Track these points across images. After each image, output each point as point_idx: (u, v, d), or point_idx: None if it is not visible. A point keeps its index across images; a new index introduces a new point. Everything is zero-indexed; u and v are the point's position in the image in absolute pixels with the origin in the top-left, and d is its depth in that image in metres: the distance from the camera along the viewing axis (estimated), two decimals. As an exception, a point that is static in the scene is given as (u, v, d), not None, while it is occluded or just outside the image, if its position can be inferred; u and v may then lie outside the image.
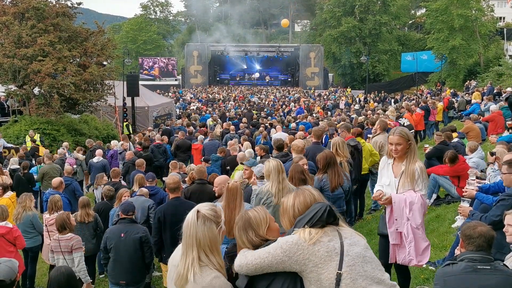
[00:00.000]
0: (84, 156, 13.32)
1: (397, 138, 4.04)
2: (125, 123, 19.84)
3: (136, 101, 21.21)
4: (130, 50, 52.25)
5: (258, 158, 9.27)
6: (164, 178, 9.61)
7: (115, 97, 20.79)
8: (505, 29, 41.33)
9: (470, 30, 35.49)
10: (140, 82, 26.31)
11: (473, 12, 34.81)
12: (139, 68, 54.26)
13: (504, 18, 55.61)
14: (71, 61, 19.18)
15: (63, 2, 20.50)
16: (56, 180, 8.23)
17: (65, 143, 14.72)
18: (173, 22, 75.20)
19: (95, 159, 12.27)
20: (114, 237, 5.77)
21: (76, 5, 20.84)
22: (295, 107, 27.24)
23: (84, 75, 18.67)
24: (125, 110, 20.48)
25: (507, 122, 11.05)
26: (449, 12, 34.74)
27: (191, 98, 38.43)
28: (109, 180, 9.25)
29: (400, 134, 4.05)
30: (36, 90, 18.86)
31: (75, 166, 12.40)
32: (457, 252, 3.45)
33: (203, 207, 2.47)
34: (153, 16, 71.83)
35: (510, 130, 10.31)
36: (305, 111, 23.73)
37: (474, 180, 5.81)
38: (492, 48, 37.49)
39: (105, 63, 21.36)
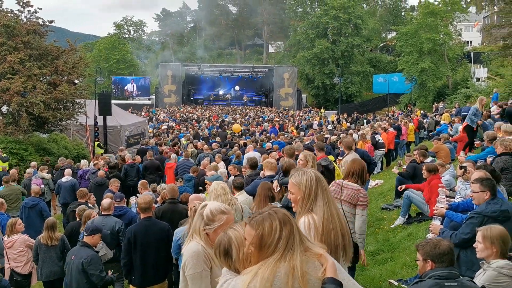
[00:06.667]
0: (50, 175, 12.99)
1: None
2: (96, 143, 19.50)
3: (108, 120, 20.90)
4: (103, 69, 51.98)
5: (232, 177, 9.22)
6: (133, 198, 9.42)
7: (86, 116, 20.44)
8: (472, 53, 42.72)
9: (439, 53, 36.60)
10: (113, 101, 26.02)
11: (441, 36, 35.95)
12: (112, 87, 53.85)
13: (471, 42, 57.61)
14: (41, 79, 18.79)
15: (34, 19, 20.19)
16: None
17: (33, 163, 14.33)
18: (147, 42, 75.11)
19: (64, 179, 12.00)
20: (68, 259, 5.93)
21: (47, 23, 20.55)
22: (269, 127, 27.37)
23: (54, 93, 18.29)
24: (96, 129, 20.14)
25: (475, 142, 11.29)
26: (418, 36, 35.79)
27: (164, 117, 38.22)
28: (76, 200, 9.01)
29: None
30: (4, 109, 18.38)
31: (42, 186, 12.06)
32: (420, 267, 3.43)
33: None
34: (126, 35, 71.63)
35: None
36: (278, 131, 23.85)
37: (444, 198, 5.92)
38: (460, 71, 38.65)
39: (76, 81, 21.01)
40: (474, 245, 3.76)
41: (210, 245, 3.16)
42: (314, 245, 2.18)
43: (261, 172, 7.60)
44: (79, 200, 8.66)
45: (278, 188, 6.01)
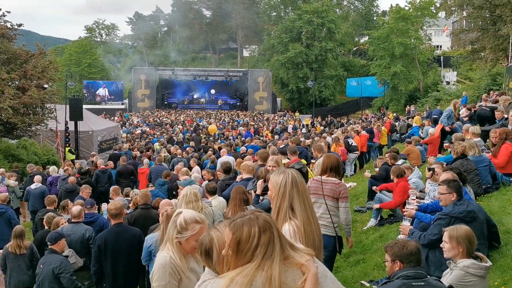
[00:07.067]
0: (17, 183, 12.67)
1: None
2: (67, 148, 19.14)
3: (79, 125, 20.53)
4: (74, 73, 51.22)
5: (206, 182, 9.18)
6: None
7: (56, 121, 20.05)
8: (441, 57, 43.76)
9: (410, 57, 37.35)
10: (85, 106, 25.60)
11: (412, 40, 36.71)
12: (83, 92, 52.96)
13: (440, 46, 59.04)
14: (9, 83, 18.38)
15: (2, 23, 19.74)
16: None
17: (0, 170, 13.94)
18: (120, 46, 74.17)
19: (33, 186, 11.71)
20: (37, 269, 5.88)
21: (16, 27, 20.12)
22: (243, 130, 27.39)
23: (23, 98, 17.89)
24: (67, 134, 19.76)
25: (444, 144, 11.53)
26: (390, 40, 36.45)
27: (137, 122, 37.82)
28: (44, 207, 8.80)
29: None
30: (-30, 114, 17.91)
31: (7, 194, 11.75)
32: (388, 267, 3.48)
33: None
34: (98, 39, 70.60)
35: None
36: (253, 134, 23.87)
37: (414, 199, 6.01)
38: (430, 74, 39.54)
39: (46, 86, 20.60)
40: (441, 245, 3.83)
41: (183, 254, 3.13)
42: (297, 253, 2.13)
43: (239, 176, 7.60)
44: (47, 208, 8.46)
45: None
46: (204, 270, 2.53)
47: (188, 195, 4.72)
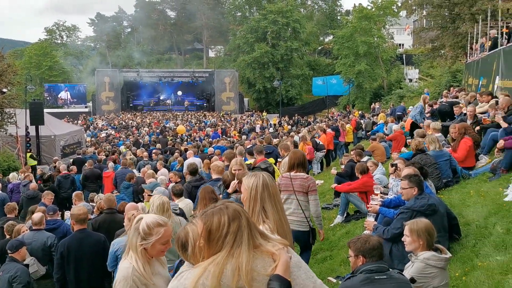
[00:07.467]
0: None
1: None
2: (28, 154, 18.57)
3: (41, 129, 19.97)
4: (34, 77, 49.72)
5: (172, 184, 9.08)
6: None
7: (16, 126, 19.44)
8: (404, 55, 44.80)
9: (374, 55, 38.05)
10: (46, 110, 24.94)
11: (375, 39, 37.41)
12: (44, 95, 51.54)
13: (403, 44, 60.36)
14: (-35, 88, 17.73)
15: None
16: None
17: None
18: (82, 47, 72.44)
19: (-8, 193, 11.31)
20: None
21: (-29, 29, 19.43)
22: (211, 131, 27.28)
23: (-20, 103, 17.31)
24: (28, 139, 19.17)
25: (407, 141, 11.79)
26: (354, 39, 37.03)
27: (102, 125, 37.10)
28: (5, 216, 8.51)
29: None
30: None
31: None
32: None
33: None
34: (59, 41, 68.78)
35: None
36: (220, 135, 23.79)
37: (378, 195, 6.12)
38: (394, 72, 40.40)
39: (4, 90, 19.93)
40: (402, 238, 3.91)
41: (147, 260, 3.07)
42: (269, 243, 2.17)
43: None
44: (7, 216, 8.18)
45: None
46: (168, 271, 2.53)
47: (165, 206, 4.64)
